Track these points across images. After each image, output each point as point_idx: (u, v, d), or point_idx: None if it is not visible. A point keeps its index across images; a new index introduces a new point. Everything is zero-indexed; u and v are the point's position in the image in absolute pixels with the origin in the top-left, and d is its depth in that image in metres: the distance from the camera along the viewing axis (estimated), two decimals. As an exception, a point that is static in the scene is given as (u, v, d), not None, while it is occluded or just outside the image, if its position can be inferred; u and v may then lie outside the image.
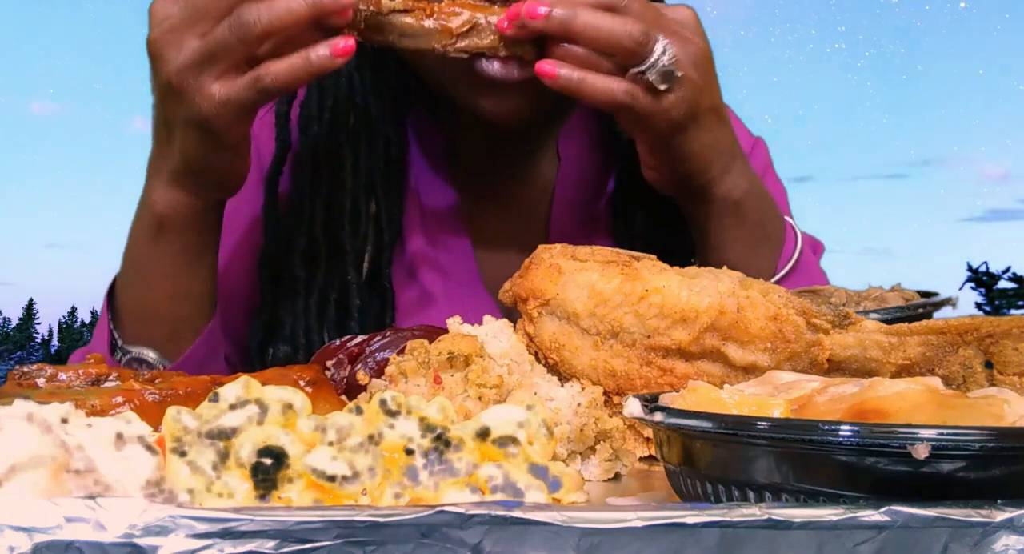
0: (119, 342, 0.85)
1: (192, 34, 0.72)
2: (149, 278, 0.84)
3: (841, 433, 0.33)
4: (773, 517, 0.30)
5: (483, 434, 0.37)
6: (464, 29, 0.73)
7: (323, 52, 0.72)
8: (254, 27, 0.70)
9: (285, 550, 0.29)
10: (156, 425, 0.39)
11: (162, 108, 0.76)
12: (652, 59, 0.73)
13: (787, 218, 0.93)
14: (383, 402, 0.37)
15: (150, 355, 0.84)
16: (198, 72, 0.72)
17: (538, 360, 0.60)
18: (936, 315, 0.67)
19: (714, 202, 0.84)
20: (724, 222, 0.85)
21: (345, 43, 0.72)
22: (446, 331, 0.61)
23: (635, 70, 0.73)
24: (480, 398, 0.53)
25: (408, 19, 0.73)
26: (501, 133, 0.92)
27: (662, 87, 0.73)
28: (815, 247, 1.01)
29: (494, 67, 0.79)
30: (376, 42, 0.75)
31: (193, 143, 0.75)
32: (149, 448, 0.34)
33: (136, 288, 0.85)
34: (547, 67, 0.74)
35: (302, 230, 0.93)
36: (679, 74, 0.73)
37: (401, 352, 0.57)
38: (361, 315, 0.92)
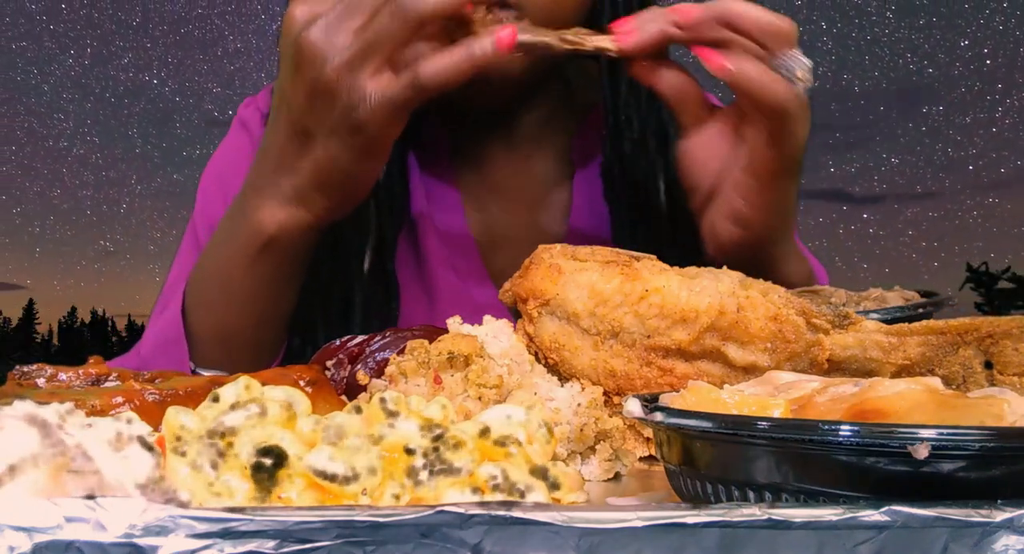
0: (192, 365, 0.82)
1: (346, 30, 0.68)
2: (240, 301, 0.81)
3: (841, 433, 0.33)
4: (773, 517, 0.30)
5: (483, 434, 0.37)
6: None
7: (487, 44, 0.68)
8: (417, 9, 0.66)
9: (285, 550, 0.29)
10: (156, 425, 0.39)
11: (306, 116, 0.71)
12: (790, 56, 0.70)
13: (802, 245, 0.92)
14: (383, 402, 0.37)
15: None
16: (354, 70, 0.68)
17: (538, 360, 0.60)
18: (936, 315, 0.67)
19: (773, 251, 0.81)
20: (776, 267, 0.82)
21: (510, 32, 0.69)
22: (446, 331, 0.61)
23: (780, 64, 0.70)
24: (480, 398, 0.53)
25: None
26: (493, 100, 0.92)
27: (797, 85, 0.70)
28: (821, 275, 1.00)
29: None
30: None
31: (339, 150, 0.71)
32: (149, 448, 0.34)
33: (222, 311, 0.81)
34: (719, 60, 0.71)
35: None
36: (808, 78, 0.70)
37: (401, 352, 0.57)
38: (366, 308, 0.91)
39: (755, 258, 0.79)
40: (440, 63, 0.68)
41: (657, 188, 0.96)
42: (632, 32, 0.71)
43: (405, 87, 0.69)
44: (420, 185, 1.00)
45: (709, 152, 0.78)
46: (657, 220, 0.96)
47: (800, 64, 0.70)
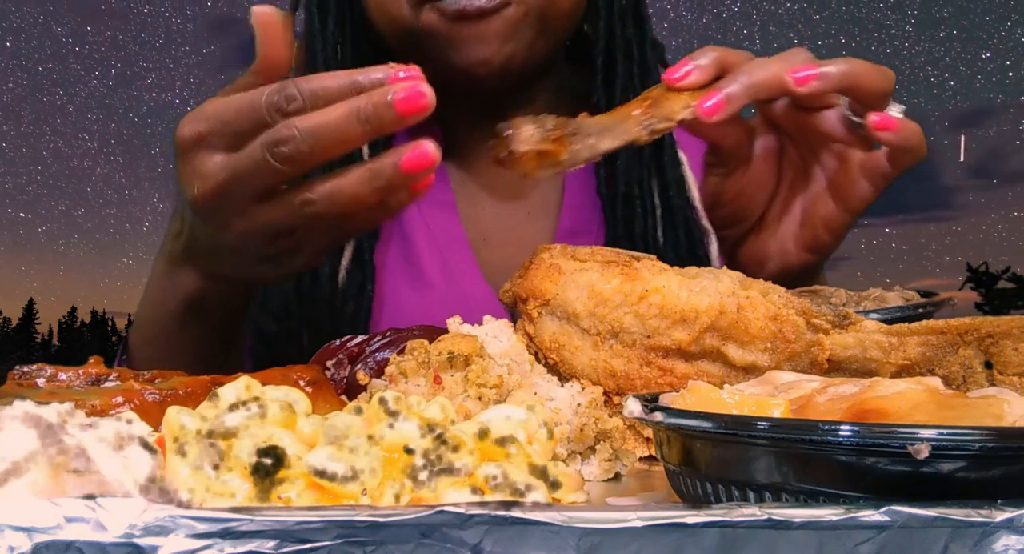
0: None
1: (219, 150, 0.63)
2: (179, 354, 0.80)
3: (841, 433, 0.33)
4: (773, 517, 0.30)
5: (483, 434, 0.37)
6: (646, 104, 0.71)
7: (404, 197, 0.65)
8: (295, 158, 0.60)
9: (285, 550, 0.29)
10: (156, 425, 0.39)
11: (206, 229, 0.67)
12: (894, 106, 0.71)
13: None
14: (383, 402, 0.37)
15: None
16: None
17: (538, 360, 0.60)
18: (936, 315, 0.67)
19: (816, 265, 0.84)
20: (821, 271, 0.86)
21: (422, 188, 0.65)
22: (446, 331, 0.61)
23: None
24: (480, 398, 0.53)
25: (599, 118, 0.70)
26: (482, 87, 0.92)
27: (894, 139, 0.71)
28: None
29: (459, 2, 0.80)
30: (573, 156, 0.68)
31: (258, 270, 0.69)
32: (149, 448, 0.34)
33: (164, 355, 0.81)
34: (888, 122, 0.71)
35: None
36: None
37: (401, 352, 0.57)
38: (337, 290, 0.91)
39: (810, 271, 0.83)
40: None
41: (651, 190, 0.97)
42: (719, 105, 0.69)
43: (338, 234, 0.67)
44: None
45: (758, 185, 0.80)
46: (650, 220, 0.96)
47: (898, 106, 0.72)
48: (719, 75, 0.70)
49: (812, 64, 0.69)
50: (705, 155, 0.79)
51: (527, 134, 0.66)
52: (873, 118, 0.70)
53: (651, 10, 1.02)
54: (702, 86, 0.70)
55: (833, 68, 0.68)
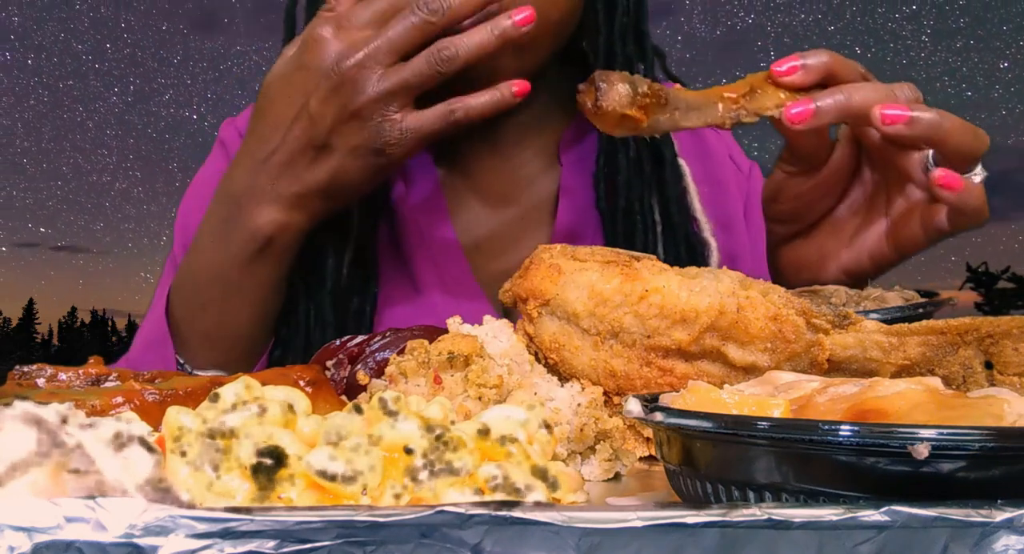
0: (187, 368, 0.85)
1: (383, 65, 0.75)
2: (238, 302, 0.84)
3: (841, 433, 0.33)
4: (773, 517, 0.30)
5: (483, 434, 0.37)
6: (742, 92, 0.71)
7: (507, 91, 0.77)
8: (454, 61, 0.75)
9: (285, 550, 0.29)
10: (156, 425, 0.39)
11: (331, 134, 0.77)
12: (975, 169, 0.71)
13: None
14: (383, 402, 0.37)
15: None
16: (389, 102, 0.75)
17: (538, 360, 0.60)
18: (936, 315, 0.67)
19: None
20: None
21: (521, 86, 0.78)
22: (446, 331, 0.61)
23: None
24: (480, 398, 0.53)
25: (691, 94, 0.71)
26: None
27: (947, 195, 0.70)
28: None
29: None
30: (653, 125, 0.70)
31: (357, 168, 0.77)
32: (149, 448, 0.34)
33: (219, 312, 0.84)
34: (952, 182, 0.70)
35: None
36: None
37: (401, 352, 0.57)
38: (339, 286, 0.91)
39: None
40: (473, 102, 0.76)
41: (651, 207, 0.96)
42: (806, 115, 0.70)
43: (438, 121, 0.76)
44: (404, 193, 1.00)
45: (821, 194, 0.81)
46: (650, 236, 0.96)
47: (982, 172, 0.72)
48: (824, 82, 0.71)
49: (906, 106, 0.69)
50: (783, 150, 0.80)
51: (619, 94, 0.68)
52: (938, 173, 0.70)
53: (664, 22, 1.00)
54: (802, 88, 0.71)
55: (926, 116, 0.68)
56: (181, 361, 0.86)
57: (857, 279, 0.81)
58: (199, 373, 0.83)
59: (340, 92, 0.75)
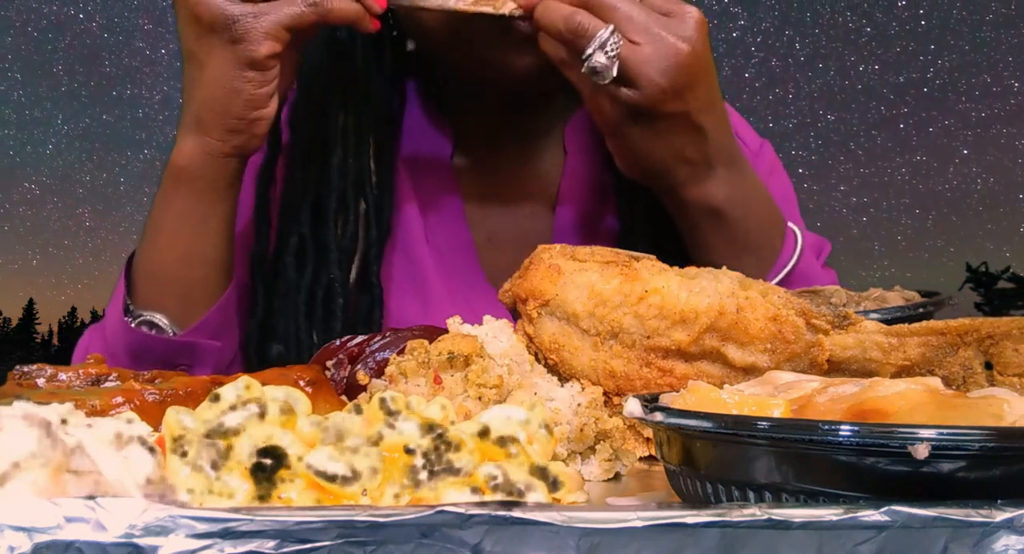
0: (131, 306, 0.86)
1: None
2: (161, 237, 0.85)
3: (841, 433, 0.33)
4: (773, 517, 0.30)
5: (483, 434, 0.37)
6: None
7: (373, 7, 0.80)
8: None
9: (285, 550, 0.29)
10: (156, 425, 0.39)
11: (192, 42, 0.80)
12: (588, 52, 0.77)
13: (790, 224, 0.92)
14: (383, 402, 0.37)
15: (162, 320, 0.85)
16: (247, 12, 0.77)
17: (538, 360, 0.60)
18: (936, 315, 0.67)
19: (686, 206, 0.85)
20: (701, 227, 0.86)
21: (379, 2, 0.81)
22: (446, 331, 0.61)
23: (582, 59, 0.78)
24: (480, 398, 0.53)
25: None
26: (506, 87, 0.93)
27: (594, 79, 0.77)
28: (820, 248, 1.01)
29: (528, 26, 0.83)
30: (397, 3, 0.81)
31: (221, 66, 0.79)
32: (149, 448, 0.34)
33: (149, 249, 0.86)
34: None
35: (292, 230, 0.93)
36: (608, 73, 0.77)
37: (401, 352, 0.57)
38: (347, 314, 0.92)
39: (662, 195, 0.88)
40: (338, 5, 0.78)
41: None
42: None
43: (291, 6, 0.78)
44: (415, 185, 1.00)
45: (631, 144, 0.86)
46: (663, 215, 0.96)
47: (586, 66, 0.79)
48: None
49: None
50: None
51: None
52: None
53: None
54: None
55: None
56: (127, 300, 0.87)
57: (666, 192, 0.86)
58: (140, 312, 0.85)
59: (214, 23, 0.78)
